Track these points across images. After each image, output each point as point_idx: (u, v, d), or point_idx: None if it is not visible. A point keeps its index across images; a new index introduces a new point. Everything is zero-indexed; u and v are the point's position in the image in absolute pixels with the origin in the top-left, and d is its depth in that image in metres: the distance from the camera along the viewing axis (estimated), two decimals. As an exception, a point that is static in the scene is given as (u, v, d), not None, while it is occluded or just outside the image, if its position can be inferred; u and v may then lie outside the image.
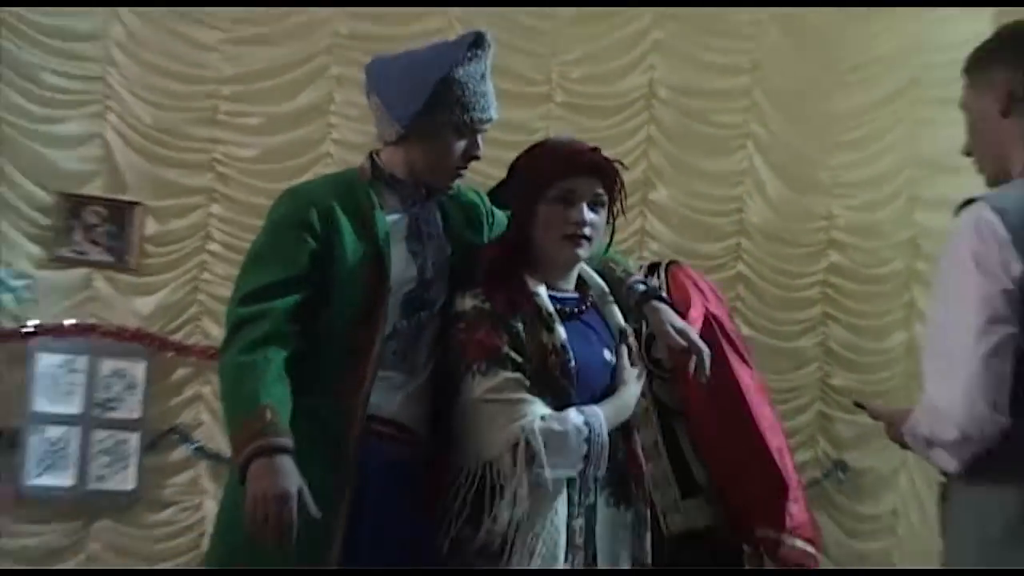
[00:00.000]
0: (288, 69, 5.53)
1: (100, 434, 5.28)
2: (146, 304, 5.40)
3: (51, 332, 5.25)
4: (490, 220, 2.97)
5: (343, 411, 2.68)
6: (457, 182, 2.86)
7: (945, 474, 2.39)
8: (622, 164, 2.77)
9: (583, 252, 2.70)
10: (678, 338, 2.74)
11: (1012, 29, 2.56)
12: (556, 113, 5.55)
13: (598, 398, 2.66)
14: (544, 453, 2.52)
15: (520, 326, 2.63)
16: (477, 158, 2.81)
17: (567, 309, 2.71)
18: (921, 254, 5.77)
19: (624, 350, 2.75)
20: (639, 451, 2.75)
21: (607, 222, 2.74)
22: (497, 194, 2.88)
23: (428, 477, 2.71)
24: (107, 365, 5.31)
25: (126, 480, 5.30)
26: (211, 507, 4.92)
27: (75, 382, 5.28)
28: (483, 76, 2.79)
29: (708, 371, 2.75)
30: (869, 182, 5.85)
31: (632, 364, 2.75)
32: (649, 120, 5.77)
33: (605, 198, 2.71)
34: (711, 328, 3.18)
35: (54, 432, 5.24)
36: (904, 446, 2.47)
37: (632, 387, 2.70)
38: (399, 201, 2.82)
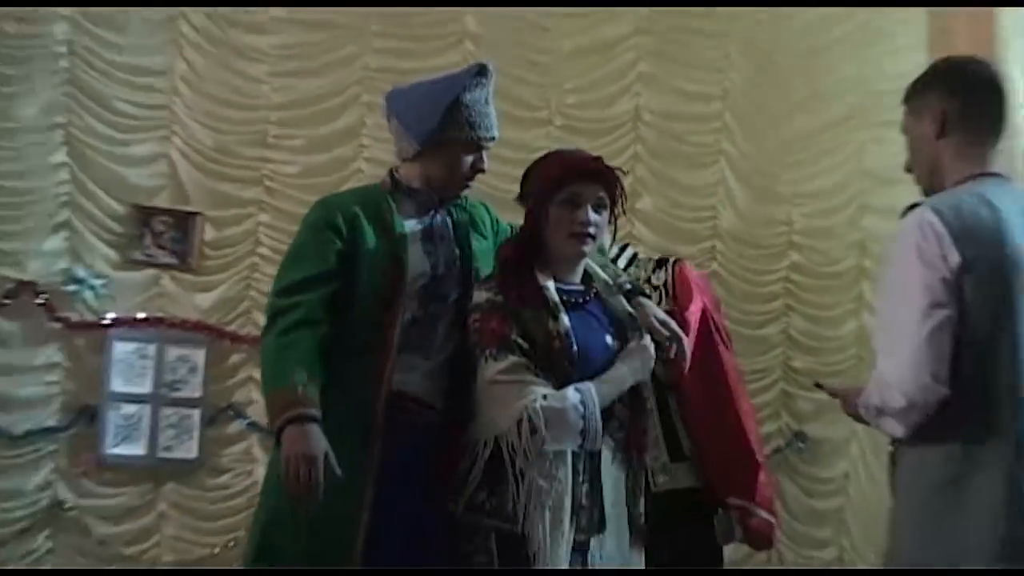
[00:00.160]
0: (326, 98, 5.56)
1: (167, 411, 5.33)
2: (205, 299, 5.44)
3: (125, 324, 5.30)
4: (495, 228, 2.99)
5: (370, 387, 2.69)
6: (465, 193, 2.89)
7: (893, 442, 2.44)
8: (622, 171, 2.77)
9: (587, 248, 2.69)
10: (662, 329, 2.74)
11: (946, 64, 2.59)
12: (555, 135, 5.56)
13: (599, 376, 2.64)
14: (545, 428, 2.51)
15: (528, 316, 2.61)
16: (483, 171, 2.86)
17: (572, 300, 2.70)
18: (869, 254, 5.78)
19: (634, 334, 2.72)
20: (647, 425, 2.76)
21: (608, 222, 2.73)
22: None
23: (449, 447, 2.68)
24: (172, 352, 5.35)
25: (190, 449, 5.34)
26: (261, 473, 4.87)
27: (146, 366, 5.32)
28: (487, 100, 2.84)
29: (687, 356, 2.78)
30: (823, 192, 5.87)
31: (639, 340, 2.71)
32: (635, 140, 5.79)
33: (607, 201, 2.70)
34: (705, 319, 3.25)
35: (128, 409, 5.28)
36: (857, 419, 2.50)
37: (625, 364, 2.66)
38: (415, 209, 2.85)
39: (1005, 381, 2.27)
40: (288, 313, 2.67)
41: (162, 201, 5.42)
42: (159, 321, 5.35)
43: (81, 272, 5.28)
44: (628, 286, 2.82)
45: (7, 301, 5.18)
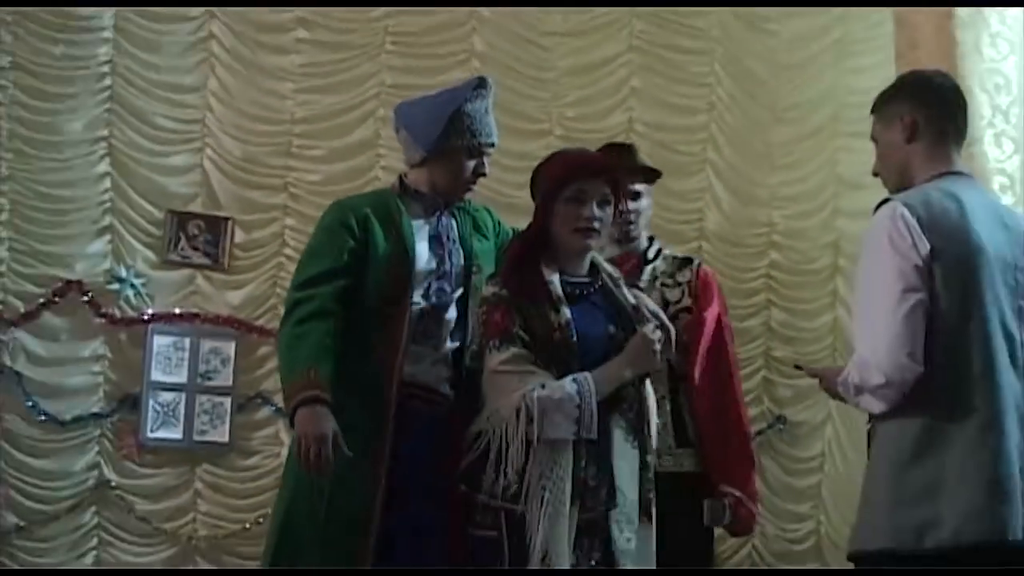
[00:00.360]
0: (345, 112, 5.60)
1: (201, 398, 5.36)
2: (236, 297, 5.48)
3: (163, 319, 5.35)
4: (496, 231, 2.99)
5: (382, 375, 2.69)
6: (469, 197, 2.90)
7: (871, 419, 2.45)
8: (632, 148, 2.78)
9: (593, 242, 2.66)
10: (653, 320, 2.71)
11: (914, 76, 2.64)
12: (555, 145, 5.28)
13: (600, 365, 2.58)
14: (541, 417, 2.47)
15: (531, 308, 2.57)
16: (484, 175, 2.87)
17: (577, 291, 2.65)
18: (842, 253, 5.77)
19: (638, 324, 2.66)
20: (649, 408, 2.69)
21: (612, 217, 2.69)
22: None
23: (458, 434, 2.67)
24: (206, 345, 5.39)
25: (223, 434, 5.37)
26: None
27: (182, 358, 5.36)
28: (487, 110, 2.85)
29: (673, 347, 2.73)
30: (801, 196, 5.88)
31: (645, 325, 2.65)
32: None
33: (611, 198, 2.66)
34: (719, 322, 3.30)
35: (166, 397, 5.32)
36: (835, 396, 2.51)
37: (626, 357, 2.60)
38: (422, 211, 2.85)
39: (974, 362, 2.29)
40: (304, 305, 2.69)
41: (196, 207, 5.46)
42: (194, 317, 5.39)
43: (123, 272, 5.34)
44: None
45: (56, 299, 5.25)
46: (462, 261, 2.85)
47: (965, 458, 2.25)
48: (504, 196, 4.96)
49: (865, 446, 2.66)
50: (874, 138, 2.57)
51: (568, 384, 2.52)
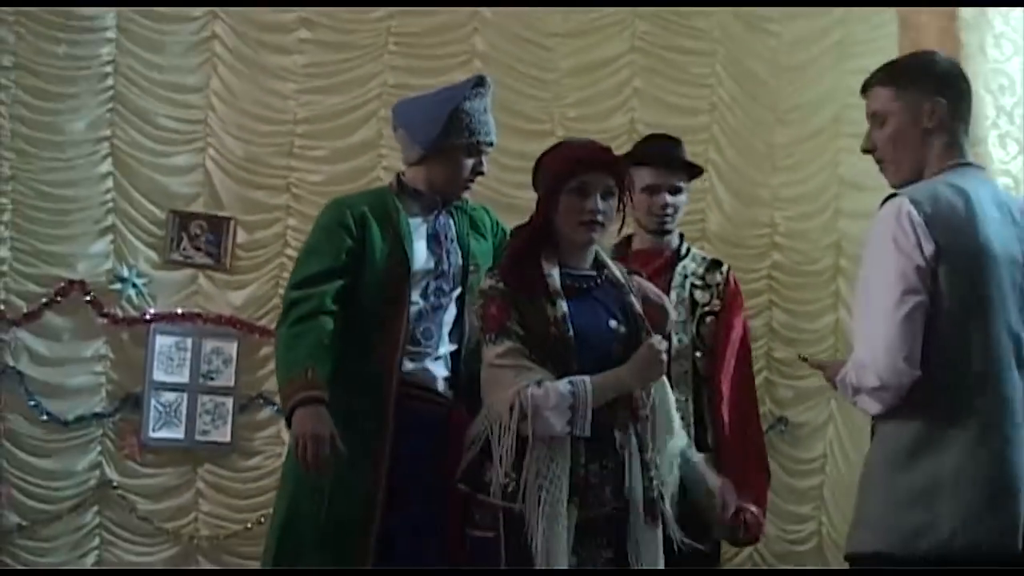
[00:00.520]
0: (347, 112, 5.57)
1: (203, 398, 5.33)
2: (238, 297, 5.45)
3: (166, 319, 5.32)
4: (494, 230, 2.97)
5: (381, 375, 2.68)
6: (467, 196, 2.90)
7: (873, 419, 2.37)
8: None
9: (596, 235, 2.61)
10: (656, 299, 2.74)
11: (936, 62, 2.47)
12: None
13: (601, 360, 2.54)
14: (534, 414, 2.43)
15: (528, 302, 2.53)
16: (482, 173, 2.87)
17: (578, 285, 2.61)
18: (844, 254, 5.75)
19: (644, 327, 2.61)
20: (638, 407, 2.61)
21: (617, 209, 2.64)
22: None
23: (456, 434, 2.65)
24: (208, 345, 5.36)
25: (224, 434, 5.34)
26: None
27: (184, 358, 5.33)
28: (485, 109, 2.84)
29: (666, 330, 2.73)
30: (802, 198, 5.86)
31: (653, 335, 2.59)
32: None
33: (615, 190, 2.61)
34: (745, 330, 3.31)
35: (168, 397, 5.29)
36: (836, 387, 2.45)
37: (629, 368, 2.53)
38: (420, 209, 2.84)
39: (977, 364, 2.24)
40: (301, 304, 2.67)
41: (198, 207, 5.44)
42: (196, 317, 5.37)
43: (125, 272, 5.31)
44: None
45: (58, 299, 5.22)
46: (460, 260, 2.84)
47: (964, 461, 2.20)
48: (505, 196, 4.94)
49: (867, 447, 2.55)
50: (887, 113, 2.40)
51: (562, 385, 2.47)
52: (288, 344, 2.65)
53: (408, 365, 2.72)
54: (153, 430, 5.25)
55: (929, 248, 2.23)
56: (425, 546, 2.64)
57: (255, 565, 4.72)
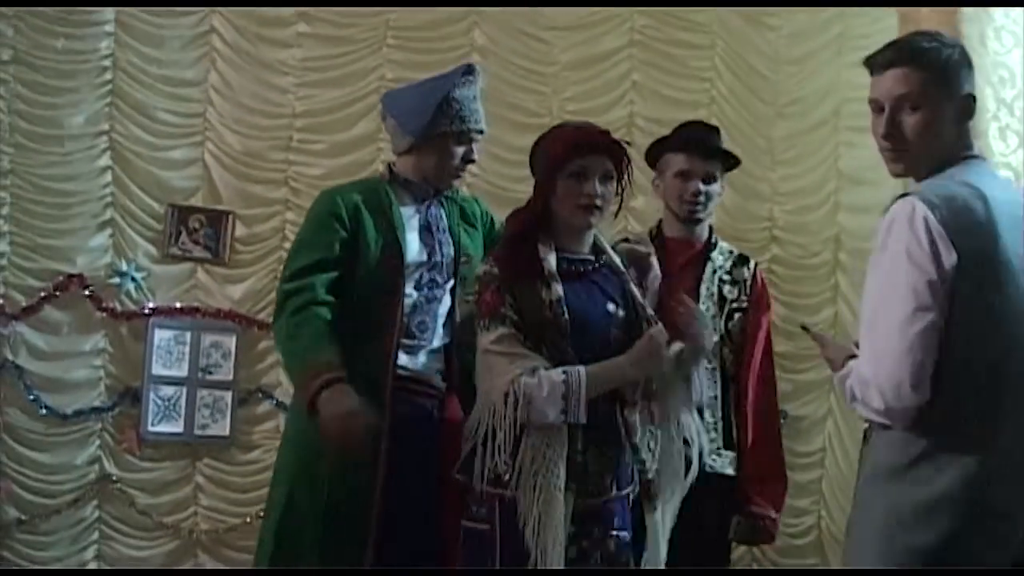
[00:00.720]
0: (346, 106, 5.53)
1: (202, 392, 5.30)
2: (237, 291, 5.42)
3: (164, 313, 5.29)
4: (484, 220, 2.96)
5: (377, 368, 2.66)
6: (466, 190, 2.91)
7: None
8: (628, 143, 2.64)
9: (595, 220, 2.58)
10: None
11: (956, 47, 2.28)
12: None
13: (598, 345, 2.51)
14: (526, 404, 2.41)
15: (524, 286, 2.50)
16: (472, 161, 2.85)
17: (575, 268, 2.58)
18: (843, 248, 5.71)
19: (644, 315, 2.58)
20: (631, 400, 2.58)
21: (616, 193, 2.62)
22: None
23: (453, 425, 2.68)
24: (207, 338, 5.33)
25: (223, 428, 5.31)
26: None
27: (183, 352, 5.30)
28: (475, 97, 2.82)
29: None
30: (801, 191, 5.82)
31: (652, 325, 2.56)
32: (629, 145, 5.71)
33: (614, 173, 2.58)
34: (769, 330, 3.30)
35: (167, 391, 5.26)
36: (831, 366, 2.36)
37: (628, 357, 2.50)
38: (411, 199, 2.82)
39: (984, 384, 2.10)
40: (295, 297, 2.65)
41: (197, 201, 5.41)
42: (195, 311, 5.34)
43: (124, 266, 5.28)
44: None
45: (58, 293, 5.19)
46: (452, 251, 2.81)
47: (953, 484, 2.08)
48: (504, 190, 4.93)
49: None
50: (907, 97, 2.18)
51: (555, 373, 2.43)
52: (291, 334, 2.63)
53: (403, 358, 2.70)
54: (152, 424, 5.22)
55: (950, 260, 2.06)
56: (423, 538, 2.64)
57: (254, 559, 4.78)
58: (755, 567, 5.66)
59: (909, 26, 4.38)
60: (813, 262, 5.81)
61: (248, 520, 5.25)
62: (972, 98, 2.22)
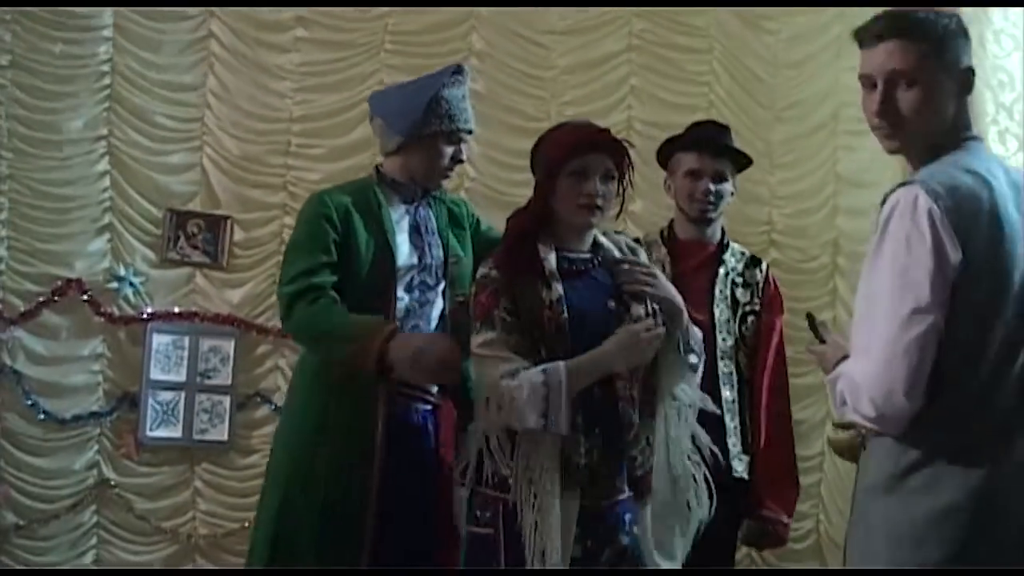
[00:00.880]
0: (345, 110, 5.51)
1: (201, 397, 5.28)
2: (235, 295, 5.39)
3: (163, 318, 5.26)
4: (471, 222, 2.94)
5: (371, 374, 2.61)
6: (462, 194, 2.90)
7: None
8: (629, 143, 2.62)
9: (595, 219, 2.58)
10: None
11: (952, 18, 2.11)
12: None
13: (599, 342, 2.49)
14: (509, 407, 2.39)
15: (523, 286, 2.49)
16: (461, 161, 2.83)
17: (575, 267, 2.58)
18: (842, 252, 5.69)
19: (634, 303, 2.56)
20: (626, 396, 2.55)
21: (617, 193, 2.61)
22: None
23: (447, 428, 2.69)
24: (205, 343, 5.31)
25: (222, 432, 5.29)
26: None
27: (181, 356, 5.27)
28: (464, 97, 2.80)
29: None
30: (800, 195, 5.80)
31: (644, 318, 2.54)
32: (631, 146, 5.72)
33: (615, 172, 2.58)
34: (782, 333, 3.30)
35: (166, 395, 5.24)
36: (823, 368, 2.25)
37: (612, 344, 2.47)
38: (400, 200, 2.80)
39: (986, 388, 1.97)
40: (304, 295, 2.63)
41: (195, 205, 5.39)
42: (193, 315, 5.31)
43: (122, 271, 5.25)
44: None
45: (56, 298, 5.16)
46: (441, 253, 2.80)
47: (971, 492, 1.96)
48: (502, 194, 4.90)
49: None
50: (901, 72, 2.04)
51: (533, 374, 2.40)
52: (321, 318, 2.60)
53: None
54: (150, 429, 5.20)
55: (955, 256, 1.92)
56: (419, 538, 2.64)
57: (253, 564, 4.76)
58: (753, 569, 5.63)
59: (907, 29, 4.38)
60: (811, 266, 5.79)
61: (246, 525, 5.14)
62: (971, 71, 2.07)
